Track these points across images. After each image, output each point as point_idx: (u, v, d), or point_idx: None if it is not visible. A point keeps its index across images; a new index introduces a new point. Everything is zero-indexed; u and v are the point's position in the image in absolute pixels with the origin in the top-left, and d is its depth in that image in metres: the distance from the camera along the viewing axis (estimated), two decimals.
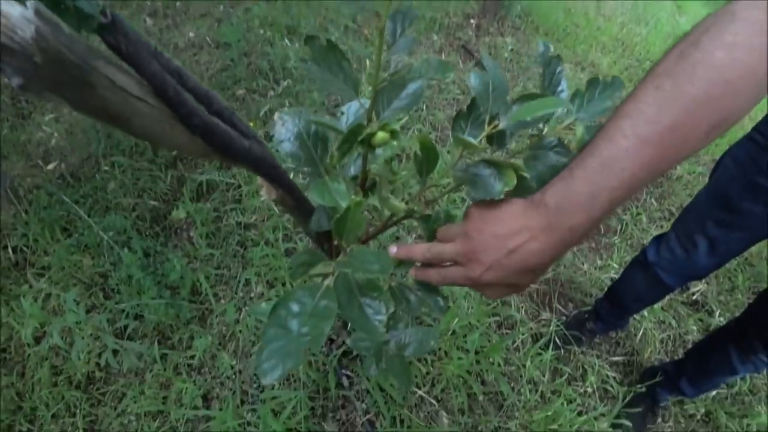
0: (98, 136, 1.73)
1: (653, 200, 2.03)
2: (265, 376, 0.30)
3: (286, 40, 2.27)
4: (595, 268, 1.69)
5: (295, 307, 0.34)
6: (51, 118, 1.93)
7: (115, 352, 1.22)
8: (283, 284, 1.34)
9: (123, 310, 1.28)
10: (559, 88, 0.49)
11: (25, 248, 1.43)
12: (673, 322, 1.57)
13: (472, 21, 3.14)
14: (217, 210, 1.53)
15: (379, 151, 0.52)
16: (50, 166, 1.74)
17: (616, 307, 1.33)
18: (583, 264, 1.68)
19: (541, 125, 0.50)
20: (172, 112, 0.32)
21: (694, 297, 1.69)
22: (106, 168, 1.63)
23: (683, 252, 1.07)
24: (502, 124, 0.44)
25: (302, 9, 2.72)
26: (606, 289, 1.52)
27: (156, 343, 1.24)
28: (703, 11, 4.21)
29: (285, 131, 0.49)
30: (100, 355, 1.22)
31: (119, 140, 1.69)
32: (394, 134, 0.39)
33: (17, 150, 1.75)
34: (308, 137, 0.49)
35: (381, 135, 0.39)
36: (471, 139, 0.38)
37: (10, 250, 1.42)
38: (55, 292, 1.33)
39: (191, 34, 2.55)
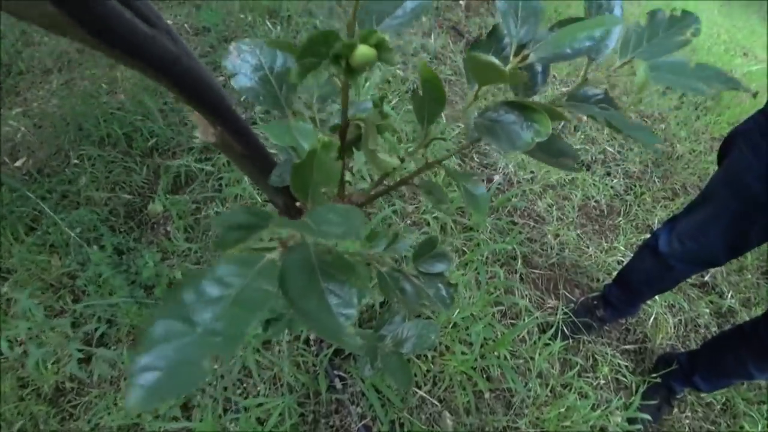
0: (68, 128, 1.58)
1: (656, 179, 1.92)
2: (135, 398, 0.16)
3: (268, 24, 2.12)
4: (601, 251, 1.57)
5: (212, 290, 0.20)
6: (18, 112, 1.78)
7: (84, 360, 1.09)
8: None
9: (93, 314, 1.15)
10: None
11: None
12: (685, 305, 1.46)
13: (461, 2, 3.01)
14: (197, 201, 1.40)
15: (367, 104, 0.39)
16: (18, 163, 1.59)
17: (627, 293, 1.21)
18: (588, 247, 1.56)
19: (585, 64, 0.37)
20: None
21: (704, 278, 1.59)
22: (76, 161, 1.48)
23: (695, 245, 0.96)
24: (533, 55, 0.32)
25: None
26: (614, 273, 1.41)
27: (129, 349, 1.11)
28: None
29: (241, 62, 0.37)
30: (70, 363, 1.09)
31: (90, 131, 1.54)
32: (382, 48, 0.27)
33: None
34: (271, 72, 0.37)
35: (363, 49, 0.26)
36: (495, 60, 0.25)
37: None
38: (20, 297, 1.19)
39: (169, 22, 2.39)
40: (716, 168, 0.97)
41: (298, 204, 0.28)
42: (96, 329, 1.13)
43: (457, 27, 2.65)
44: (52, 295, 1.21)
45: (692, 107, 2.51)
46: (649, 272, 1.10)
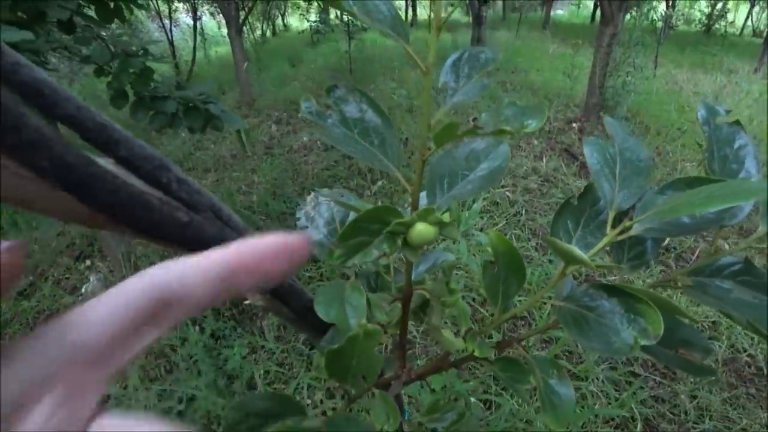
0: None
1: None
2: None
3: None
4: (761, 426, 1.16)
5: None
6: None
7: None
8: (343, 396, 1.13)
9: (176, 391, 1.17)
10: (744, 172, 0.27)
11: None
12: None
13: (574, 125, 2.98)
14: None
15: (422, 266, 0.35)
16: None
17: None
18: (741, 418, 1.17)
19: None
20: None
21: None
22: None
23: None
24: (639, 225, 0.24)
25: (406, 119, 2.83)
26: None
27: None
28: None
29: (315, 214, 0.35)
30: None
31: None
32: (444, 226, 0.23)
33: None
34: (342, 226, 0.35)
35: (421, 228, 0.22)
36: (575, 250, 0.19)
37: None
38: None
39: (305, 138, 2.79)
40: None
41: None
42: (171, 408, 1.14)
43: (570, 149, 2.58)
44: (152, 361, 1.29)
45: None
46: None
